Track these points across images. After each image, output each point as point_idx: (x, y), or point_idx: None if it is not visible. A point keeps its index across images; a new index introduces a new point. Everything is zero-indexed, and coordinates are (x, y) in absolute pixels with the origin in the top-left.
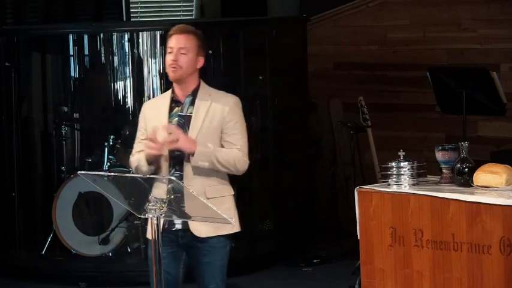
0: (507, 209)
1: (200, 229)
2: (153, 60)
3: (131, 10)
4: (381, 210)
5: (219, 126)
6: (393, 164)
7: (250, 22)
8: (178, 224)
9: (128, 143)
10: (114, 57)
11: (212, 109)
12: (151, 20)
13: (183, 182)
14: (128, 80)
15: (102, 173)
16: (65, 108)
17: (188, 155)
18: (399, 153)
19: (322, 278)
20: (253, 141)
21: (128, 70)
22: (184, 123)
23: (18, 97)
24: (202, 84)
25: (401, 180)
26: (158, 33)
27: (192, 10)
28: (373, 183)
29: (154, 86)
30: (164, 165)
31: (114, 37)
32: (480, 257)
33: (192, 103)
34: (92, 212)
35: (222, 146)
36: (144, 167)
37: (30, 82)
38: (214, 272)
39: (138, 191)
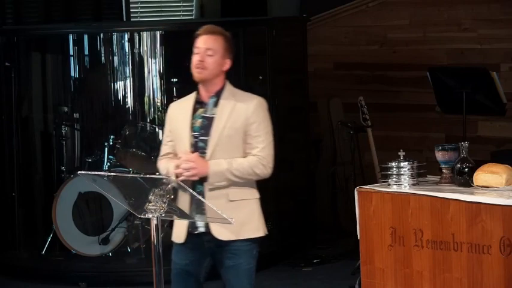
0: (507, 209)
1: (221, 232)
2: (153, 60)
3: (131, 10)
4: (381, 210)
5: (242, 128)
6: (393, 164)
7: (250, 22)
8: (201, 227)
9: (128, 143)
10: (114, 57)
11: (236, 110)
12: (151, 20)
13: (204, 184)
14: (128, 80)
15: (102, 173)
16: (65, 108)
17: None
18: (399, 153)
19: (322, 278)
20: None
21: (128, 70)
22: (207, 124)
23: (18, 97)
24: (228, 85)
25: (401, 180)
26: (158, 33)
27: (192, 10)
28: (373, 183)
29: (154, 86)
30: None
31: (114, 37)
32: (480, 257)
33: (216, 104)
34: (92, 212)
35: (244, 148)
36: (174, 183)
37: (30, 82)
38: (240, 276)
39: (138, 191)
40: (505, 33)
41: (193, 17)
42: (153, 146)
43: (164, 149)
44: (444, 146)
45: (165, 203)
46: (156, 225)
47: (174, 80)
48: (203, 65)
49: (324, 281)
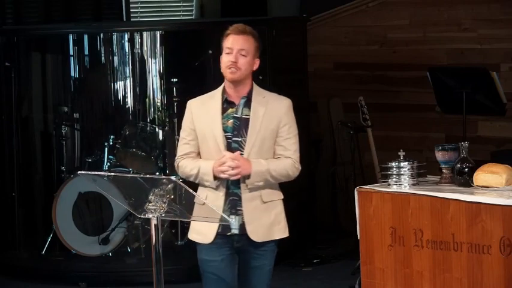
0: (507, 209)
1: (257, 233)
2: (153, 60)
3: (131, 10)
4: (381, 210)
5: (276, 129)
6: (393, 164)
7: (250, 22)
8: (234, 230)
9: (128, 143)
10: (114, 57)
11: (268, 112)
12: (151, 20)
13: (239, 185)
14: (128, 80)
15: (102, 173)
16: (65, 108)
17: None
18: (399, 153)
19: (322, 278)
20: None
21: (128, 70)
22: (240, 125)
23: (18, 97)
24: (255, 85)
25: (401, 180)
26: (158, 33)
27: (192, 10)
28: (373, 183)
29: (154, 86)
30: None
31: (114, 37)
32: (480, 257)
33: (247, 105)
34: (92, 212)
35: (275, 150)
36: (209, 182)
37: (30, 82)
38: (262, 276)
39: (138, 191)
40: (505, 33)
41: (193, 17)
42: (153, 146)
43: (185, 147)
44: (444, 146)
45: (165, 203)
46: (156, 225)
47: (174, 80)
48: (236, 65)
49: (324, 281)
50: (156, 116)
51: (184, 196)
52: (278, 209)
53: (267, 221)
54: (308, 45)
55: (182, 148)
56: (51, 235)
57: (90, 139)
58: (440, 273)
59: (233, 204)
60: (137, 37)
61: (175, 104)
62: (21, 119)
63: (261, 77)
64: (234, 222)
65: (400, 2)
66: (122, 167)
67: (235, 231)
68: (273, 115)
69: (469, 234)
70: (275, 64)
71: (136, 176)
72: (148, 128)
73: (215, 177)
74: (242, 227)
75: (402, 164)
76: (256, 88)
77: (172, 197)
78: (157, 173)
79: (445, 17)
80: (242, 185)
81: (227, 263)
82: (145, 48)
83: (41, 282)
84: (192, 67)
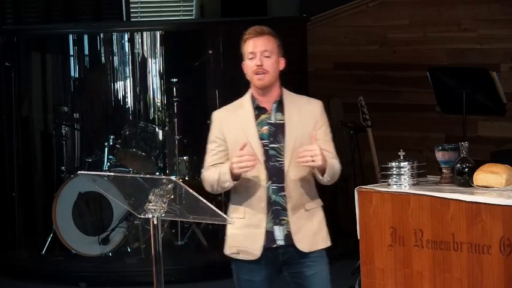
0: (507, 209)
1: (304, 242)
2: (153, 60)
3: (131, 10)
4: (381, 210)
5: (312, 132)
6: (393, 164)
7: (250, 22)
8: (280, 241)
9: (128, 143)
10: (114, 57)
11: (303, 115)
12: (151, 20)
13: (281, 194)
14: (128, 80)
15: (102, 173)
16: (65, 108)
17: (282, 170)
18: (399, 153)
19: None
20: None
21: (128, 70)
22: (275, 131)
23: (18, 97)
24: (284, 88)
25: (401, 180)
26: (158, 33)
27: (192, 10)
28: (373, 183)
29: (154, 86)
30: (262, 177)
31: (114, 37)
32: (480, 257)
33: (279, 109)
34: (92, 212)
35: None
36: (228, 182)
37: (30, 82)
38: (322, 280)
39: (138, 191)
40: (505, 33)
41: (193, 17)
42: (153, 146)
43: (213, 159)
44: (444, 146)
45: (165, 203)
46: (156, 225)
47: (174, 80)
48: (263, 69)
49: None
50: (156, 116)
51: (184, 196)
52: (320, 217)
53: (311, 229)
54: (308, 45)
55: (210, 160)
56: (51, 235)
57: (90, 139)
58: (440, 273)
59: (276, 214)
60: (137, 37)
61: (175, 104)
62: (21, 119)
63: None
64: (233, 221)
65: (400, 2)
66: (122, 167)
67: (280, 242)
68: (308, 118)
69: (469, 234)
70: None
71: (136, 176)
72: (148, 128)
73: (234, 178)
74: (288, 237)
75: (402, 164)
76: (286, 91)
77: (172, 197)
78: (157, 173)
79: (445, 17)
80: (286, 193)
81: (268, 283)
82: (145, 48)
83: (41, 282)
84: (192, 67)
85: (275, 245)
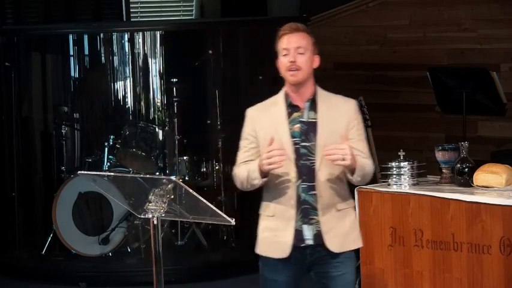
0: (507, 209)
1: (334, 242)
2: (153, 60)
3: (131, 10)
4: (381, 210)
5: (345, 132)
6: (393, 164)
7: (250, 22)
8: (309, 240)
9: (128, 143)
10: (114, 57)
11: (336, 114)
12: (151, 20)
13: (312, 193)
14: (128, 80)
15: (102, 173)
16: (65, 108)
17: (314, 170)
18: (399, 153)
19: None
20: None
21: (128, 70)
22: (307, 129)
23: (18, 97)
24: (318, 86)
25: (402, 180)
26: (158, 33)
27: (192, 10)
28: (373, 183)
29: (154, 86)
30: (291, 175)
31: (114, 37)
32: (480, 257)
33: (312, 108)
34: (92, 212)
35: None
36: (257, 179)
37: (30, 82)
38: (347, 283)
39: (138, 191)
40: (505, 33)
41: (193, 17)
42: (153, 146)
43: (244, 155)
44: (444, 146)
45: (165, 203)
46: (156, 225)
47: (174, 80)
48: (296, 65)
49: None
50: (156, 116)
51: (184, 196)
52: (352, 217)
53: (343, 229)
54: None
55: (242, 156)
56: (51, 235)
57: (90, 139)
58: (440, 273)
59: (305, 213)
60: (137, 37)
61: (175, 104)
62: (21, 119)
63: (261, 77)
64: (233, 221)
65: (400, 2)
66: (122, 167)
67: (309, 241)
68: (341, 118)
69: (469, 234)
70: (275, 64)
71: (136, 176)
72: (148, 128)
73: (263, 176)
74: (317, 237)
75: (402, 164)
76: (319, 89)
77: (172, 197)
78: (157, 173)
79: (445, 17)
80: (317, 192)
81: (295, 282)
82: (145, 48)
83: (41, 282)
84: (192, 67)
85: (303, 244)
